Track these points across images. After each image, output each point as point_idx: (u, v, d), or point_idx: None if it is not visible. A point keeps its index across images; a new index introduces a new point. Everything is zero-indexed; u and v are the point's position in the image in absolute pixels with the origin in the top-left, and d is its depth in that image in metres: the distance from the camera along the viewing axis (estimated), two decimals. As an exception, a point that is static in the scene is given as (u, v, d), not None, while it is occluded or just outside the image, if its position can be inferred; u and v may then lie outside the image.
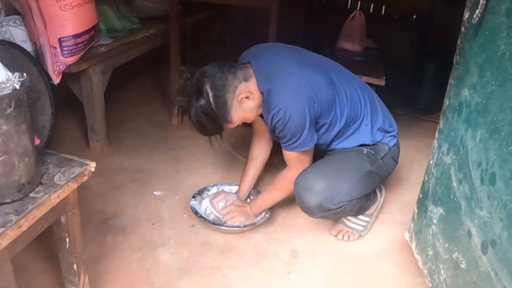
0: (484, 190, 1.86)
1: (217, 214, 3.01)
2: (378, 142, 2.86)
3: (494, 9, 1.85)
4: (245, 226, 2.91)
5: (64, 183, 1.82)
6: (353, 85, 2.80)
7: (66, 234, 2.00)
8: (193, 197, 3.11)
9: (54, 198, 1.77)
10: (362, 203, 2.83)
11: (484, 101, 1.91)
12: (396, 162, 2.97)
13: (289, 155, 2.68)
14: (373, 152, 2.81)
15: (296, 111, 2.47)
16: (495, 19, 1.85)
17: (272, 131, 2.64)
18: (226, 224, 2.92)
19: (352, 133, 2.82)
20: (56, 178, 1.85)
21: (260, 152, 3.11)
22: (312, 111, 2.51)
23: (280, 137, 2.60)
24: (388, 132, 2.90)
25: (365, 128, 2.83)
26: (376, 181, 2.89)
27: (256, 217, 2.97)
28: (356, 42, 4.50)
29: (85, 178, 1.93)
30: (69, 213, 1.95)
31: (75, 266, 2.09)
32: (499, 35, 1.81)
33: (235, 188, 3.24)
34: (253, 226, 2.93)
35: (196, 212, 2.97)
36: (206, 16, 5.29)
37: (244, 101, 2.55)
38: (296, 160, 2.68)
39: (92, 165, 1.96)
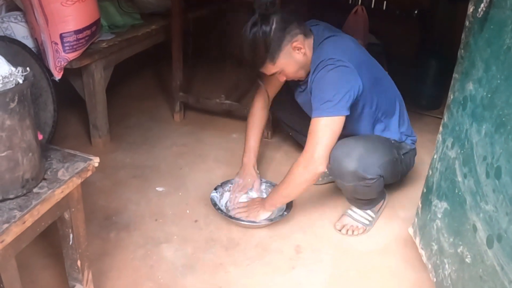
0: (489, 184, 1.85)
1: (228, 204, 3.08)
2: (402, 142, 2.98)
3: (500, 3, 1.85)
4: (259, 222, 2.91)
5: (68, 179, 1.81)
6: (392, 84, 2.98)
7: (70, 231, 1.99)
8: (215, 189, 3.13)
9: (58, 194, 1.76)
10: (382, 189, 2.88)
11: (489, 95, 1.90)
12: (413, 165, 3.10)
13: (315, 123, 2.57)
14: (398, 146, 2.92)
15: (344, 68, 2.54)
16: (501, 13, 1.84)
17: (310, 89, 2.69)
18: (244, 219, 2.93)
19: (384, 129, 2.95)
20: (59, 173, 1.84)
21: (262, 109, 3.20)
22: (357, 80, 2.57)
23: (315, 95, 2.60)
24: (410, 137, 3.03)
25: (395, 126, 2.95)
26: (398, 171, 2.95)
27: (273, 214, 2.97)
28: (359, 37, 4.49)
29: (89, 173, 1.92)
30: (73, 209, 1.94)
31: (79, 262, 2.08)
32: (505, 29, 1.80)
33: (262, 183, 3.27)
34: (272, 222, 2.93)
35: (215, 204, 2.99)
36: (208, 11, 5.28)
37: (296, 50, 2.60)
38: (319, 132, 2.55)
39: (95, 160, 1.95)
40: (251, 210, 2.92)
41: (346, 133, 2.69)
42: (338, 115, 2.52)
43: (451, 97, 2.28)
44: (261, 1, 2.52)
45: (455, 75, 2.25)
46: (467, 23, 2.14)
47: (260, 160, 3.42)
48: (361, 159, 2.60)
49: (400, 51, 5.28)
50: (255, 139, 3.16)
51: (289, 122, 3.41)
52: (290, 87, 3.06)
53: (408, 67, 5.00)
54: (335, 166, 2.65)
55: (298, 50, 2.59)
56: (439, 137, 2.40)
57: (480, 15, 1.94)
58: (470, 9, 2.07)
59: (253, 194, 3.14)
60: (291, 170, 2.70)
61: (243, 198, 3.10)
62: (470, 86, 2.07)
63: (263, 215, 2.90)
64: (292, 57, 2.60)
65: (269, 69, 2.62)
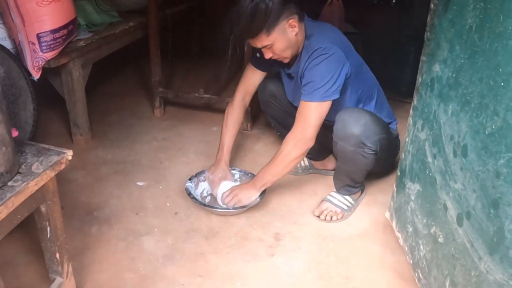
0: (457, 162, 1.89)
1: (214, 193, 3.10)
2: (388, 124, 3.04)
3: (461, -17, 1.89)
4: (234, 208, 2.95)
5: (41, 171, 1.83)
6: (369, 71, 3.07)
7: (47, 223, 2.01)
8: (190, 179, 3.16)
9: (32, 186, 1.78)
10: (371, 166, 2.89)
11: (454, 75, 1.94)
12: (397, 153, 3.22)
13: (304, 106, 2.72)
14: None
15: (336, 55, 2.64)
16: (463, -6, 1.88)
17: (301, 74, 2.76)
18: (217, 206, 3.01)
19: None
20: (34, 167, 1.86)
21: (240, 107, 3.24)
22: (346, 66, 2.68)
23: (305, 81, 2.70)
24: (392, 120, 3.13)
25: (379, 108, 3.05)
26: (389, 153, 3.03)
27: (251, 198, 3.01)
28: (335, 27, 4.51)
29: (63, 166, 1.93)
30: (49, 202, 1.96)
31: (57, 255, 2.10)
32: (467, 9, 1.84)
33: (235, 173, 3.31)
34: (246, 208, 2.96)
35: (189, 194, 3.02)
36: (186, 7, 5.30)
37: (290, 28, 2.66)
38: (306, 114, 2.72)
39: (69, 153, 1.97)
40: (242, 195, 2.94)
41: (332, 113, 2.76)
42: (327, 100, 2.65)
43: (419, 79, 2.32)
44: None
45: (422, 57, 2.29)
46: (432, 5, 2.18)
47: (239, 151, 3.46)
48: (365, 126, 2.70)
49: (380, 39, 5.30)
50: (230, 136, 3.19)
51: (281, 120, 3.39)
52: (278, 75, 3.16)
53: (388, 55, 5.02)
54: (341, 128, 2.75)
55: (292, 28, 2.66)
56: (410, 120, 2.44)
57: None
58: (435, -9, 2.11)
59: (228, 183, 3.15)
60: (281, 150, 2.79)
61: (228, 186, 3.10)
62: (437, 68, 2.11)
63: (255, 196, 2.94)
64: (286, 34, 2.66)
65: (261, 40, 2.65)
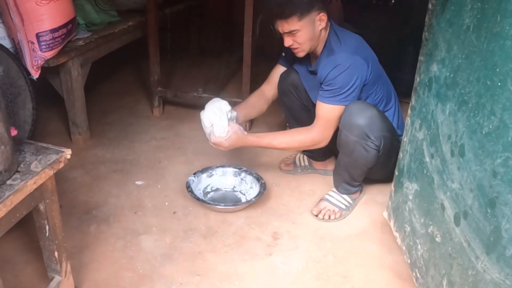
0: (454, 162, 1.89)
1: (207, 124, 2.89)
2: (398, 135, 3.07)
3: (459, -17, 1.89)
4: (234, 205, 3.03)
5: (40, 170, 1.84)
6: (388, 80, 3.17)
7: (46, 222, 2.01)
8: (194, 173, 3.22)
9: (31, 185, 1.79)
10: (371, 164, 2.91)
11: (452, 75, 1.94)
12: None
13: (325, 108, 2.83)
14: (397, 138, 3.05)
15: (356, 65, 2.74)
16: (461, -6, 1.89)
17: (321, 78, 2.81)
18: (214, 203, 3.08)
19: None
20: (32, 165, 1.87)
21: (259, 99, 3.29)
22: (365, 73, 2.79)
23: (327, 86, 2.79)
24: (401, 133, 3.09)
25: (391, 118, 3.08)
26: (390, 156, 2.98)
27: (246, 197, 3.15)
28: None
29: (61, 165, 1.94)
30: (48, 200, 1.96)
31: (56, 253, 2.11)
32: (464, 9, 1.84)
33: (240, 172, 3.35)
34: (243, 206, 3.02)
35: (188, 187, 3.06)
36: (185, 7, 5.30)
37: (318, 21, 2.76)
38: (327, 117, 2.84)
39: (67, 152, 1.98)
40: (227, 144, 2.88)
41: None
42: (344, 104, 2.79)
43: (417, 79, 2.33)
44: None
45: (420, 57, 2.30)
46: (430, 5, 2.19)
47: (237, 151, 3.43)
48: (370, 119, 2.77)
49: (378, 39, 5.30)
50: (242, 107, 3.18)
51: (296, 112, 3.36)
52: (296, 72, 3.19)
53: (387, 55, 5.02)
54: (347, 117, 2.80)
55: (320, 22, 2.75)
56: (408, 119, 2.44)
57: (441, -4, 1.99)
58: (433, -9, 2.11)
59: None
60: (296, 134, 2.97)
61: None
62: (435, 67, 2.11)
63: (234, 143, 2.89)
64: (313, 25, 2.75)
65: (291, 23, 2.70)
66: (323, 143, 2.91)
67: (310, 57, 2.99)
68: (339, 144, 2.91)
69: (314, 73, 2.96)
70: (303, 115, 3.17)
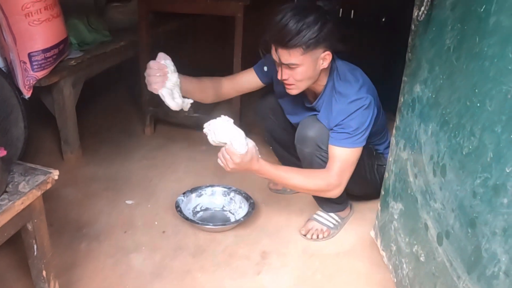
0: (436, 182, 1.92)
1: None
2: (381, 154, 3.14)
3: (440, 4, 1.93)
4: (223, 225, 3.06)
5: (28, 191, 1.87)
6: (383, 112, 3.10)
7: (34, 241, 2.04)
8: (184, 193, 3.24)
9: (18, 205, 1.82)
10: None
11: (434, 95, 1.97)
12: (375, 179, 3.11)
13: (341, 153, 2.68)
14: (376, 156, 3.08)
15: (368, 104, 2.66)
16: (442, 14, 1.92)
17: (335, 122, 2.71)
18: (203, 223, 3.09)
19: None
20: (20, 186, 1.89)
21: (211, 82, 3.08)
22: (375, 110, 2.73)
23: (341, 128, 2.67)
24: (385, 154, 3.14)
25: (382, 145, 3.15)
26: (362, 174, 2.97)
27: (235, 216, 3.17)
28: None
29: (49, 185, 1.97)
30: (36, 220, 1.99)
31: (44, 272, 2.13)
32: (445, 29, 1.88)
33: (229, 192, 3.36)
34: (232, 226, 3.05)
35: (177, 207, 3.08)
36: (178, 25, 5.32)
37: (322, 60, 2.61)
38: (344, 160, 2.68)
39: (55, 173, 2.00)
40: (237, 167, 2.59)
41: None
42: (358, 146, 2.68)
43: (402, 99, 2.36)
44: (330, 2, 2.62)
45: (404, 78, 2.33)
46: (412, 26, 2.22)
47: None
48: (320, 130, 2.74)
49: (369, 57, 5.34)
50: (192, 83, 2.97)
51: (277, 135, 3.33)
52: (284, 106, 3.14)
53: (377, 72, 5.06)
54: (299, 132, 2.81)
55: (323, 61, 2.61)
56: (393, 139, 2.48)
57: (422, 18, 2.02)
58: (415, 12, 2.14)
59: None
60: (313, 175, 2.76)
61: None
62: (418, 88, 2.15)
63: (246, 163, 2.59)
64: (315, 62, 2.59)
65: (293, 55, 2.53)
66: (338, 189, 2.71)
67: (306, 90, 2.80)
68: (301, 161, 2.92)
69: (312, 109, 2.92)
70: (283, 137, 3.16)
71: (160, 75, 2.56)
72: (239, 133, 2.50)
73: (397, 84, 4.67)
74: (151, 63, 2.58)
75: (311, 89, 2.82)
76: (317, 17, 2.49)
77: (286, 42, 2.48)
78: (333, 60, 2.71)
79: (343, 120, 2.64)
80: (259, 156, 2.62)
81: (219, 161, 2.60)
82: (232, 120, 2.55)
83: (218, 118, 2.55)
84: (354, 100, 2.63)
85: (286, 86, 2.72)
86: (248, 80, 3.11)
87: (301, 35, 2.46)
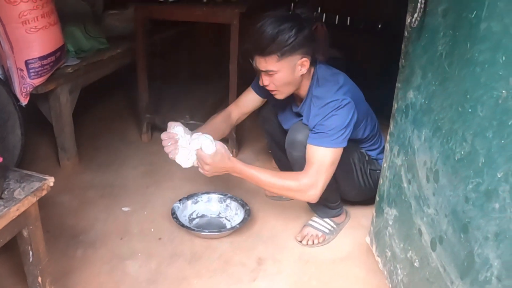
0: (430, 188, 1.93)
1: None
2: (374, 159, 3.10)
3: (432, 11, 1.94)
4: (219, 231, 3.04)
5: (23, 197, 1.87)
6: (372, 112, 3.11)
7: (29, 247, 2.04)
8: (180, 200, 3.25)
9: (14, 211, 1.82)
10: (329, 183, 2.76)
11: (427, 102, 1.99)
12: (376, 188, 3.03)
13: (317, 152, 2.63)
14: (369, 160, 3.05)
15: (350, 105, 2.63)
16: (434, 21, 1.93)
17: (311, 125, 2.71)
18: (198, 229, 3.09)
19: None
20: (16, 193, 1.90)
21: (222, 122, 3.11)
22: (355, 114, 2.67)
23: (318, 128, 2.65)
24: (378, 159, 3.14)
25: (374, 148, 3.10)
26: (346, 170, 2.94)
27: (231, 223, 3.17)
28: (319, 53, 4.55)
29: (44, 192, 1.98)
30: (31, 227, 2.00)
31: (39, 278, 2.13)
32: (437, 36, 1.89)
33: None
34: (228, 233, 3.05)
35: (173, 213, 3.09)
36: (175, 32, 5.34)
37: (299, 66, 2.64)
38: (320, 162, 2.62)
39: (50, 180, 2.01)
40: (212, 169, 2.64)
41: None
42: (337, 147, 2.63)
43: (395, 106, 2.37)
44: (308, 10, 2.67)
45: (397, 84, 2.35)
46: (406, 33, 2.23)
47: (223, 177, 3.41)
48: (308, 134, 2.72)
49: (366, 64, 5.35)
50: (208, 129, 2.89)
51: (277, 138, 3.33)
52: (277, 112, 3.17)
53: (374, 79, 5.07)
54: (289, 136, 2.82)
55: (301, 67, 2.64)
56: (387, 145, 2.48)
57: (415, 25, 2.03)
58: (408, 19, 2.15)
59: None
60: (285, 176, 2.72)
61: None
62: (411, 94, 2.16)
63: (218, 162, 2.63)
64: (293, 69, 2.62)
65: (269, 62, 2.59)
66: (313, 191, 2.62)
67: (293, 95, 2.87)
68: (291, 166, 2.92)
69: (298, 114, 2.94)
70: (283, 140, 3.18)
71: (171, 144, 2.65)
72: (205, 137, 2.59)
73: (392, 90, 4.73)
74: (162, 135, 2.68)
75: (297, 94, 2.85)
76: (292, 24, 2.53)
77: (261, 50, 2.56)
78: (314, 66, 2.77)
79: (319, 121, 2.64)
80: (231, 155, 2.68)
81: (199, 169, 2.67)
82: (190, 132, 2.70)
83: (179, 142, 2.66)
84: (329, 102, 2.63)
85: (270, 92, 2.78)
86: (251, 100, 3.18)
87: (275, 42, 2.51)
